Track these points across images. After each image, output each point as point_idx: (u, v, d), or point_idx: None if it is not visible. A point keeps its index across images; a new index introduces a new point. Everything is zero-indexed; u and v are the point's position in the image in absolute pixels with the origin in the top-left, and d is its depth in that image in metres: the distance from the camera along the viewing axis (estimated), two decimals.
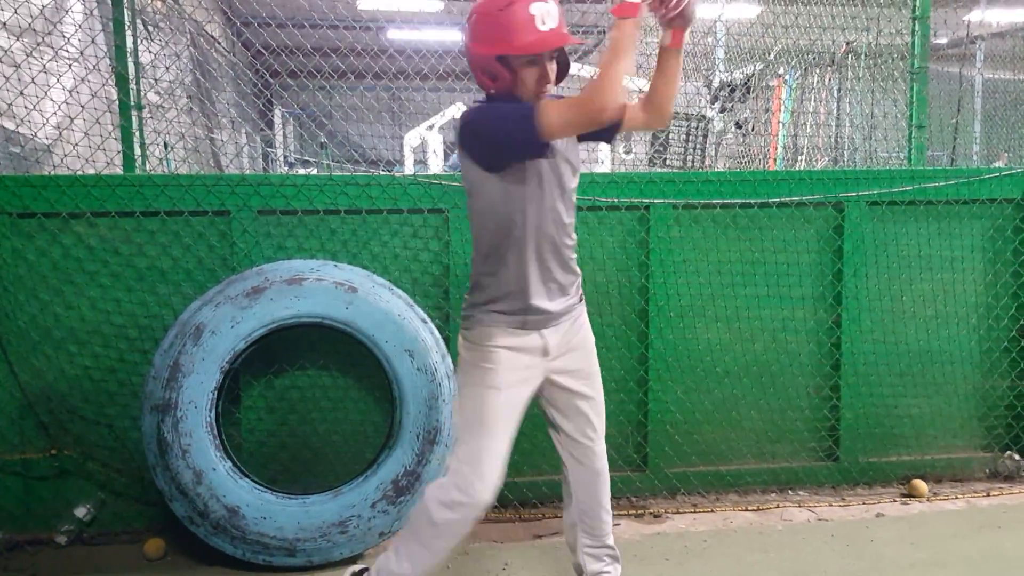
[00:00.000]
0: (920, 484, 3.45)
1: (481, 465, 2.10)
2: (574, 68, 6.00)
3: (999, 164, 6.30)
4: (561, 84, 2.19)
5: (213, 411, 2.77)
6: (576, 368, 2.26)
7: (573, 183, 2.17)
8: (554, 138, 1.99)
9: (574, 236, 2.21)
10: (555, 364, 2.21)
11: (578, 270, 2.26)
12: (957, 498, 3.41)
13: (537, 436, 3.14)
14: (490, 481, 2.11)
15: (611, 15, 1.96)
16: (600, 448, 2.31)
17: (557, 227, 2.12)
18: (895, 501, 3.39)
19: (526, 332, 2.14)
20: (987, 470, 3.61)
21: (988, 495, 3.43)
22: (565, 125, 1.93)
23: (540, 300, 2.13)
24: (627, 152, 4.97)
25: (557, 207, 2.11)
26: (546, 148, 2.04)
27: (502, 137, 1.99)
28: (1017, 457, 3.58)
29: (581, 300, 2.29)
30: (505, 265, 2.11)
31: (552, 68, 2.06)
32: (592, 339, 2.33)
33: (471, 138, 2.05)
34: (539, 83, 2.03)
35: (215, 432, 2.77)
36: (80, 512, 2.97)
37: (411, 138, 7.64)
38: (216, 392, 2.77)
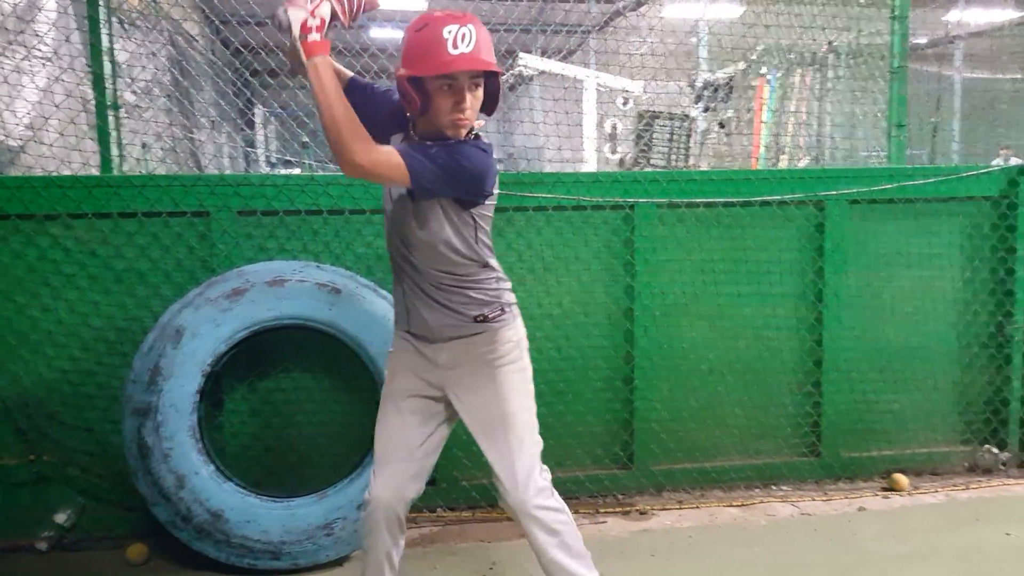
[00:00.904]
0: (901, 478, 3.49)
1: (375, 464, 2.17)
2: (558, 67, 6.08)
3: (999, 160, 6.34)
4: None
5: (195, 414, 2.73)
6: (469, 384, 2.15)
7: (415, 233, 2.05)
8: (356, 175, 1.93)
9: (453, 273, 2.08)
10: (449, 375, 2.15)
11: (471, 299, 2.10)
12: (937, 491, 3.46)
13: None
14: (381, 480, 2.13)
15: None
16: (506, 483, 2.10)
17: (408, 264, 2.10)
18: (877, 495, 3.43)
19: (413, 340, 2.17)
20: (966, 464, 3.67)
21: (968, 488, 3.48)
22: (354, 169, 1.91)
23: (411, 321, 2.16)
24: (613, 152, 4.99)
25: (399, 247, 2.10)
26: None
27: None
28: (995, 451, 3.63)
29: (479, 320, 2.11)
30: (393, 274, 2.20)
31: (475, 95, 1.97)
32: (500, 364, 2.14)
33: None
34: (454, 108, 1.96)
35: (197, 436, 2.73)
36: (61, 518, 2.92)
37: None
38: (198, 395, 2.73)
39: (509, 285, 2.20)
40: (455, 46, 1.90)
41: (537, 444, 2.18)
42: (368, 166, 1.87)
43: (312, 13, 1.87)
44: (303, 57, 1.87)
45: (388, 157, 1.90)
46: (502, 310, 2.15)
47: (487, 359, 2.13)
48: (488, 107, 2.06)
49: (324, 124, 1.86)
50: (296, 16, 1.85)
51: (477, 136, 2.06)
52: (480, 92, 2.00)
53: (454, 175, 1.95)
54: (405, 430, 2.16)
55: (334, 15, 1.92)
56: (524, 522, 2.13)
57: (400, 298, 2.17)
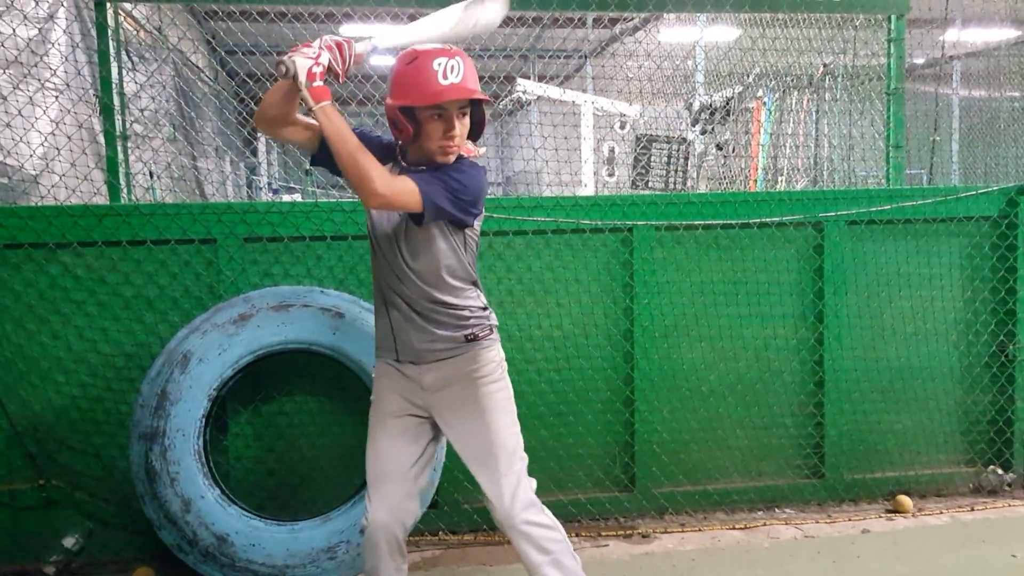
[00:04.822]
0: (905, 500, 3.48)
1: (369, 488, 2.20)
2: (556, 93, 6.17)
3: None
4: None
5: (201, 439, 2.77)
6: (456, 404, 2.19)
7: (410, 265, 2.12)
8: (377, 204, 2.01)
9: (434, 298, 2.14)
10: (436, 396, 2.19)
11: (462, 319, 2.17)
12: (942, 513, 3.44)
13: None
14: (377, 502, 2.17)
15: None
16: (493, 499, 2.15)
17: (397, 295, 2.16)
18: (880, 517, 3.41)
19: (399, 365, 2.21)
20: (971, 485, 3.65)
21: (972, 509, 3.46)
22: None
23: (398, 349, 2.20)
24: (610, 175, 5.04)
25: (391, 282, 2.16)
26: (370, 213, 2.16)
27: None
28: (1000, 471, 3.61)
29: (469, 339, 2.17)
30: (375, 305, 2.25)
31: (463, 123, 2.07)
32: (486, 383, 2.18)
33: None
34: (444, 136, 2.05)
35: (203, 460, 2.77)
36: (68, 542, 2.95)
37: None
38: (204, 419, 2.77)
39: (489, 308, 2.27)
40: (445, 77, 2.00)
41: (523, 460, 2.23)
42: (390, 194, 1.97)
43: (316, 61, 1.95)
44: (311, 103, 1.95)
45: (404, 184, 2.00)
46: (490, 330, 2.22)
47: (473, 378, 2.18)
48: (474, 134, 2.16)
49: (343, 163, 1.96)
50: (302, 64, 1.94)
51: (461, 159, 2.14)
52: (467, 120, 2.10)
53: (458, 193, 2.05)
54: (396, 451, 2.20)
55: (331, 64, 2.00)
56: (514, 538, 2.17)
57: (387, 329, 2.21)
